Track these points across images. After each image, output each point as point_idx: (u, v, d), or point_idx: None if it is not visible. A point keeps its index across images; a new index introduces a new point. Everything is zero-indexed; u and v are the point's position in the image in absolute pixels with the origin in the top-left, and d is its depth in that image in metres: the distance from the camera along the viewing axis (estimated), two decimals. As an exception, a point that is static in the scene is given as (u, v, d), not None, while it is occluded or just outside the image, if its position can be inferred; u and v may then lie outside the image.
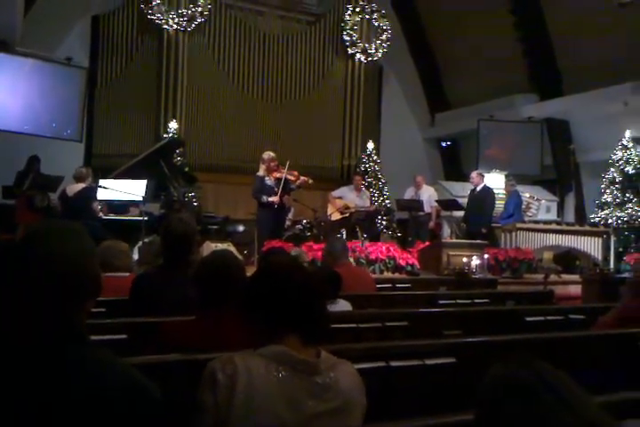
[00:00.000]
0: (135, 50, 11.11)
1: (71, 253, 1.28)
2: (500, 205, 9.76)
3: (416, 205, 9.73)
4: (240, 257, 4.06)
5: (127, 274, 3.65)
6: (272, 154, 8.01)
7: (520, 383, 1.08)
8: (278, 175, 7.81)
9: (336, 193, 10.11)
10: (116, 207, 7.60)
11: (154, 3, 10.66)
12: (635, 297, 2.94)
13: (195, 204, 9.57)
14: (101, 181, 7.47)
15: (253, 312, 1.60)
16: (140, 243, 6.11)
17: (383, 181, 11.79)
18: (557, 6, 10.92)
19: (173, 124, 10.35)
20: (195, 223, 3.14)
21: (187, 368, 1.88)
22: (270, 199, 7.68)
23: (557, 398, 1.05)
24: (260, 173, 7.87)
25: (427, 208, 9.85)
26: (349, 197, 9.93)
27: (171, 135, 10.02)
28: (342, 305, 3.58)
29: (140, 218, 6.81)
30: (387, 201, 11.58)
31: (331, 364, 1.54)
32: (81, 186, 7.28)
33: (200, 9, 10.93)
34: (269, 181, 7.83)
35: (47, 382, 1.14)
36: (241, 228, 8.43)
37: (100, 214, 7.34)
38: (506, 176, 10.89)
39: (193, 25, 10.97)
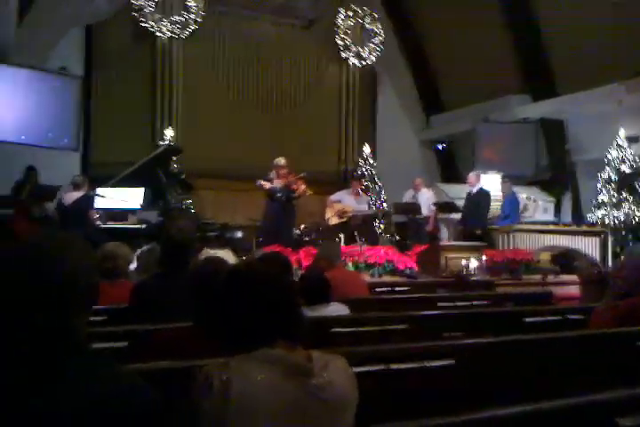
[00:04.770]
0: (130, 58, 11.13)
1: (70, 263, 1.29)
2: (497, 206, 9.78)
3: (414, 208, 9.75)
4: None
5: (123, 280, 3.65)
6: (282, 161, 8.50)
7: None
8: (283, 181, 8.32)
9: (334, 197, 10.12)
10: (114, 215, 7.62)
11: (146, 10, 10.70)
12: (629, 296, 2.94)
13: (192, 211, 9.58)
14: (98, 190, 7.48)
15: (235, 323, 1.58)
16: (139, 251, 6.11)
17: (380, 184, 11.81)
18: (549, 6, 10.98)
19: (169, 132, 10.37)
20: (194, 231, 3.15)
21: (184, 375, 1.88)
22: (262, 182, 8.33)
23: None
24: (271, 175, 8.47)
25: (425, 211, 9.87)
26: (347, 201, 9.94)
27: (167, 143, 10.04)
28: (336, 308, 3.57)
29: (138, 226, 6.81)
30: (384, 204, 11.60)
31: (323, 363, 1.55)
32: (78, 194, 7.29)
33: (193, 16, 10.97)
34: (277, 183, 8.36)
35: (48, 392, 1.15)
36: (240, 234, 8.46)
37: (98, 222, 7.35)
38: (502, 177, 10.92)
39: (186, 32, 11.00)
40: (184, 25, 10.93)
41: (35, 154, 9.45)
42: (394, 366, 2.38)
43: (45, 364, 1.18)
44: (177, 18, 10.85)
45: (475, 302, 4.46)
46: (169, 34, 10.84)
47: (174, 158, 9.71)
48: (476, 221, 9.02)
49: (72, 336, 1.24)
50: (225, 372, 1.45)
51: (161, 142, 10.15)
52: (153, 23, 10.75)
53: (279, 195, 8.27)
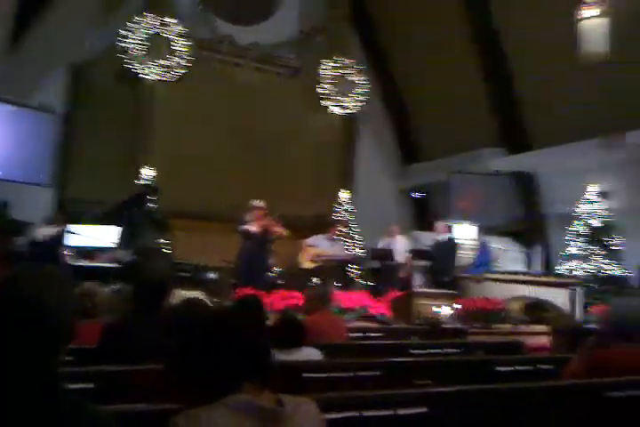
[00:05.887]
0: (112, 97, 11.20)
1: (45, 298, 1.28)
2: (469, 255, 9.90)
3: (388, 254, 9.82)
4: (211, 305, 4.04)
5: (96, 320, 3.59)
6: (260, 204, 8.50)
7: None
8: (260, 224, 8.31)
9: (309, 241, 10.14)
10: (85, 253, 7.51)
11: (133, 53, 10.86)
12: (602, 347, 3.00)
13: (165, 251, 9.48)
14: (72, 227, 7.40)
15: (201, 367, 1.55)
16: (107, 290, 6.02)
17: (356, 230, 11.88)
18: (526, 63, 11.43)
19: (148, 171, 10.36)
20: (169, 271, 3.13)
21: (157, 418, 1.85)
22: (247, 227, 8.21)
23: None
24: (247, 217, 8.39)
25: (399, 258, 9.93)
26: (323, 246, 9.97)
27: (144, 182, 10.02)
28: (308, 353, 3.53)
29: (110, 265, 6.72)
30: (359, 250, 11.64)
31: (294, 407, 1.54)
32: (50, 230, 7.21)
33: (179, 60, 11.15)
34: (253, 227, 8.28)
35: None
36: (213, 275, 8.39)
37: (67, 260, 7.24)
38: (475, 227, 11.09)
39: (171, 75, 11.15)
40: (169, 68, 11.09)
41: (9, 189, 9.35)
42: (366, 413, 2.35)
43: (19, 399, 1.16)
44: (162, 61, 11.01)
45: (447, 350, 4.46)
46: (154, 76, 10.98)
47: (151, 198, 9.68)
48: (444, 269, 9.16)
49: (46, 373, 1.23)
50: (195, 422, 1.42)
51: (138, 182, 10.12)
52: (138, 65, 10.89)
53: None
